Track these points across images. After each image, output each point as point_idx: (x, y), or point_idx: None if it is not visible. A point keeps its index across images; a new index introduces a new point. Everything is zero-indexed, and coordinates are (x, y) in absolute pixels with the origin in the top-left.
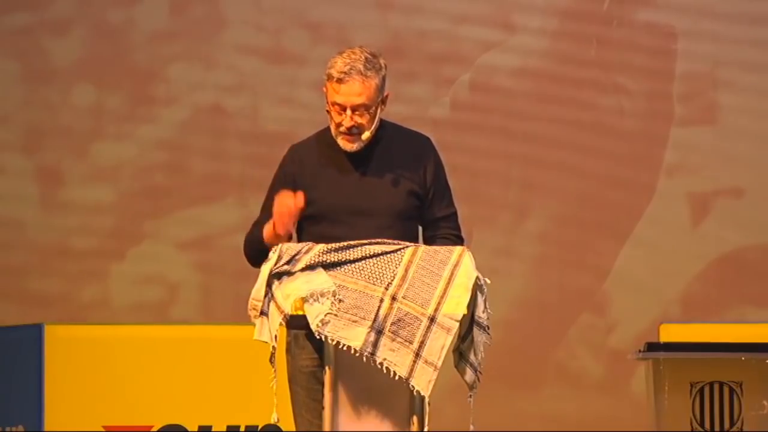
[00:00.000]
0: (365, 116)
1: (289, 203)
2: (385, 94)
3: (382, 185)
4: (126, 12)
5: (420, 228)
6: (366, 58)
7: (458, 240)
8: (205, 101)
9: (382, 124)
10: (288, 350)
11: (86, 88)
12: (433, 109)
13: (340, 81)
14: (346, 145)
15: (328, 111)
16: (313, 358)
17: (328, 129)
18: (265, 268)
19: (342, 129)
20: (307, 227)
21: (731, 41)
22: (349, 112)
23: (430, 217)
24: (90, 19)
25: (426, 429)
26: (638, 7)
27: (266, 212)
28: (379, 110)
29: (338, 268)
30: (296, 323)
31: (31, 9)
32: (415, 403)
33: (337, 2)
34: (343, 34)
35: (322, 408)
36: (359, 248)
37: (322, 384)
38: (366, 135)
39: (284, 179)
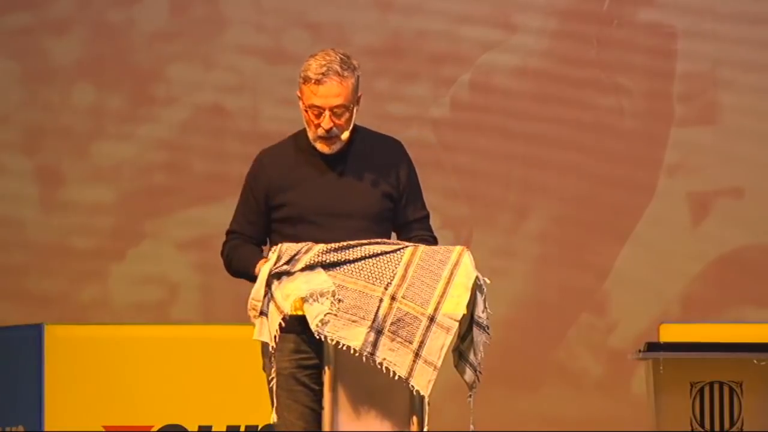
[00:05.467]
0: (343, 116)
1: None
2: (359, 94)
3: (357, 187)
4: (126, 12)
5: (393, 232)
6: (341, 59)
7: (434, 241)
8: (205, 101)
9: (355, 128)
10: (264, 353)
11: (86, 88)
12: (433, 109)
13: (318, 82)
14: (325, 147)
15: (306, 111)
16: (291, 360)
17: (301, 132)
18: (265, 268)
19: (320, 132)
20: (281, 229)
21: (731, 41)
22: (327, 113)
23: (403, 220)
24: (90, 19)
25: (426, 429)
26: (638, 7)
27: (240, 220)
28: (354, 111)
29: (338, 268)
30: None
31: (31, 9)
32: (414, 403)
33: (337, 2)
34: (343, 34)
35: (304, 408)
36: (359, 248)
37: (303, 384)
38: (345, 135)
39: (255, 187)
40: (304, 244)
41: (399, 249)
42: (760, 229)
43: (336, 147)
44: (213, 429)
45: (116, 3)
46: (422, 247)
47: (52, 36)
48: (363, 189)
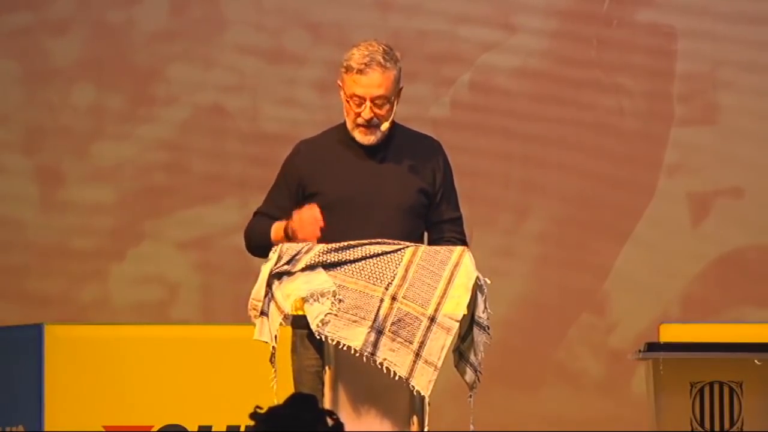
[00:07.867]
0: (384, 107)
1: (312, 216)
2: (400, 87)
3: (392, 180)
4: (126, 12)
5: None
6: (384, 50)
7: (462, 244)
8: (205, 101)
9: (394, 124)
10: (293, 350)
11: (86, 88)
12: (433, 109)
13: (360, 72)
14: (364, 137)
15: (347, 101)
16: (317, 358)
17: (339, 126)
18: (265, 268)
19: (360, 121)
20: None
21: (731, 41)
22: (368, 103)
23: (436, 220)
24: (90, 19)
25: (426, 429)
26: (638, 7)
27: (270, 203)
28: (396, 103)
29: (338, 268)
30: (301, 323)
31: (31, 9)
32: (415, 403)
33: (337, 2)
34: (343, 34)
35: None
36: (359, 248)
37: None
38: (385, 126)
39: (290, 173)
40: (304, 243)
41: (399, 249)
42: (760, 229)
43: (375, 138)
44: (213, 429)
45: (116, 3)
46: (423, 248)
47: (52, 36)
48: (398, 181)
